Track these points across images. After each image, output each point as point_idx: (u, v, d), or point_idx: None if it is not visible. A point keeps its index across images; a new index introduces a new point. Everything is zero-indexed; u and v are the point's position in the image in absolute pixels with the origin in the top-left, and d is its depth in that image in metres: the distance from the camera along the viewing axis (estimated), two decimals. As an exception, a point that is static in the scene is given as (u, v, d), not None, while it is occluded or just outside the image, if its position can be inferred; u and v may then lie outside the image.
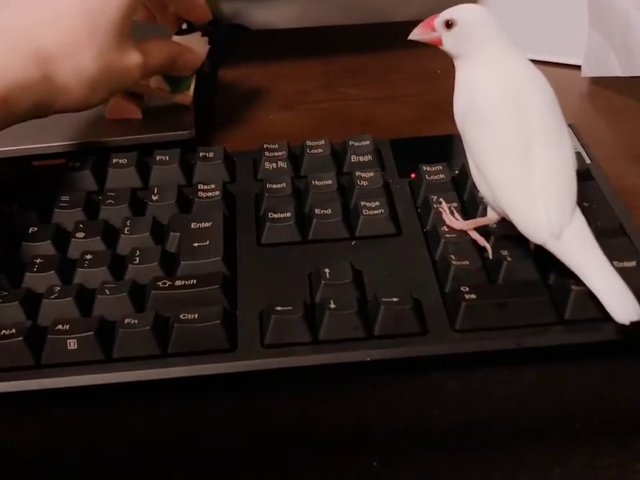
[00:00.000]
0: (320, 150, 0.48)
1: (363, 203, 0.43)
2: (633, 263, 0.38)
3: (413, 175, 0.47)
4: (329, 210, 0.43)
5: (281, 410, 0.36)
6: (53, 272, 0.40)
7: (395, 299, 0.37)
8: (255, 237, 0.43)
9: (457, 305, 0.37)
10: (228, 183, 0.47)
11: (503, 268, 0.39)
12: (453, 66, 0.39)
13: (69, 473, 0.34)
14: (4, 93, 0.41)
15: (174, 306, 0.38)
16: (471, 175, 0.40)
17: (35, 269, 0.40)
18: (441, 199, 0.43)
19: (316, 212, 0.43)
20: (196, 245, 0.41)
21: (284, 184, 0.45)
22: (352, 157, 0.48)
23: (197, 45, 0.54)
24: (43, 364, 0.37)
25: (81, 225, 0.43)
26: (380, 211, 0.43)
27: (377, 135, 0.50)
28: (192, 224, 0.43)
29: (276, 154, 0.48)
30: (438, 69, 0.61)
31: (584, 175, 0.44)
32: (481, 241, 0.40)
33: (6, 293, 0.39)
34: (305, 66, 0.64)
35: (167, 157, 0.48)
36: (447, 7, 0.39)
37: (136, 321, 0.37)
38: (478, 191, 0.40)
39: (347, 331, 0.37)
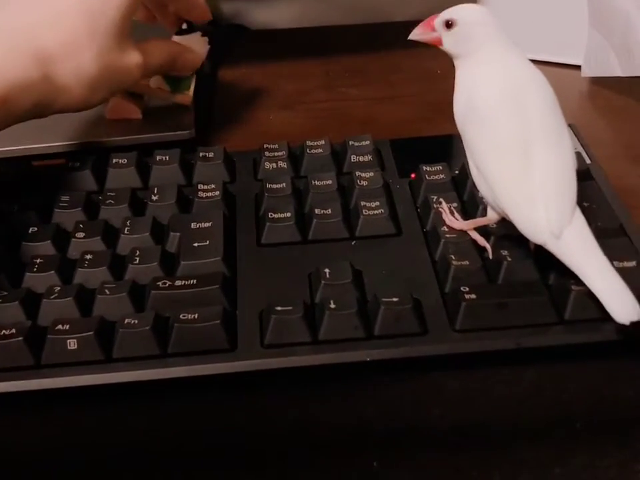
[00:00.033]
0: (320, 150, 0.48)
1: (362, 203, 0.43)
2: (632, 263, 0.38)
3: (412, 175, 0.47)
4: (329, 210, 0.43)
5: (281, 410, 0.36)
6: (52, 272, 0.40)
7: (394, 299, 0.37)
8: (255, 237, 0.43)
9: (456, 305, 0.37)
10: (228, 183, 0.47)
11: (503, 268, 0.39)
12: (453, 66, 0.39)
13: (69, 473, 0.34)
14: (4, 92, 0.41)
15: (174, 306, 0.38)
16: (470, 175, 0.40)
17: (35, 269, 0.40)
18: (441, 199, 0.43)
19: (316, 212, 0.43)
20: (196, 245, 0.41)
21: (284, 184, 0.45)
22: (352, 156, 0.48)
23: (196, 45, 0.54)
24: (42, 364, 0.37)
25: (81, 225, 0.43)
26: (380, 211, 0.43)
27: (377, 135, 0.50)
28: (192, 224, 0.43)
29: (276, 154, 0.48)
30: (438, 69, 0.61)
31: (584, 175, 0.44)
32: (481, 241, 0.40)
33: (6, 293, 0.39)
34: (305, 66, 0.64)
35: (167, 157, 0.48)
36: (447, 7, 0.39)
37: (136, 321, 0.37)
38: (478, 191, 0.40)
39: (347, 331, 0.37)
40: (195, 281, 0.39)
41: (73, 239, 0.42)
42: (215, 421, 0.36)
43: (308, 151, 0.48)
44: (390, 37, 0.64)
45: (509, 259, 0.39)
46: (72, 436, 0.36)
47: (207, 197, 0.45)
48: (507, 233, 0.40)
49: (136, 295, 0.39)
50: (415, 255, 0.41)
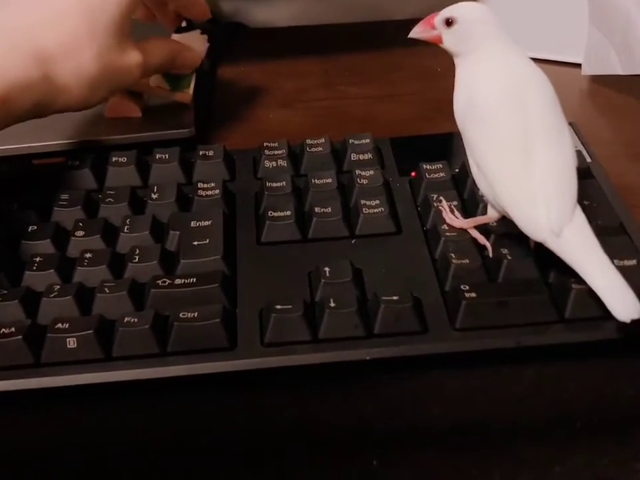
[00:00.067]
0: (320, 148, 0.48)
1: (362, 202, 0.43)
2: (633, 262, 0.38)
3: (413, 174, 0.46)
4: (329, 208, 0.43)
5: (281, 408, 0.36)
6: (52, 270, 0.40)
7: (394, 298, 0.37)
8: (255, 236, 0.43)
9: (457, 304, 0.37)
10: (228, 182, 0.47)
11: (503, 266, 0.39)
12: (453, 64, 0.39)
13: (68, 472, 0.34)
14: (4, 92, 0.41)
15: (173, 304, 0.38)
16: (471, 173, 0.40)
17: (35, 268, 0.40)
18: (441, 198, 0.43)
19: (316, 210, 0.43)
20: (196, 243, 0.41)
21: (284, 182, 0.45)
22: (352, 155, 0.48)
23: (196, 43, 0.54)
24: (42, 362, 0.37)
25: (81, 224, 0.43)
26: (380, 209, 0.43)
27: (377, 133, 0.50)
28: (192, 222, 0.43)
29: (276, 152, 0.48)
30: (438, 67, 0.61)
31: (584, 174, 0.44)
32: (481, 239, 0.40)
33: (5, 292, 0.39)
34: (305, 64, 0.64)
35: (167, 156, 0.48)
36: (447, 5, 0.39)
37: (135, 320, 0.37)
38: (478, 189, 0.40)
39: (347, 330, 0.37)
40: (194, 279, 0.39)
41: (73, 238, 0.42)
42: (215, 419, 0.36)
43: (308, 150, 0.48)
44: (390, 35, 0.64)
45: (509, 258, 0.39)
46: (71, 434, 0.36)
47: (206, 196, 0.45)
48: (507, 231, 0.40)
49: (135, 293, 0.39)
50: (415, 253, 0.41)
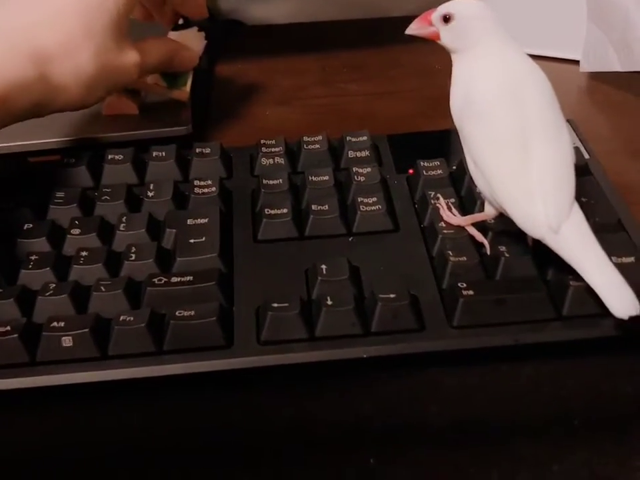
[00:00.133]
0: (317, 146, 0.48)
1: (360, 199, 0.43)
2: (631, 259, 0.38)
3: (410, 171, 0.46)
4: (326, 206, 0.43)
5: (278, 407, 0.36)
6: (48, 269, 0.40)
7: (392, 295, 0.37)
8: (252, 233, 0.43)
9: (454, 301, 0.37)
10: (224, 179, 0.47)
11: (501, 264, 0.39)
12: (451, 61, 0.39)
13: (65, 471, 0.34)
14: (2, 92, 0.41)
15: (170, 303, 0.38)
16: (468, 170, 0.40)
17: (30, 266, 0.40)
18: (438, 195, 0.43)
19: (313, 208, 0.43)
20: (192, 241, 0.41)
21: (281, 180, 0.45)
22: (349, 152, 0.48)
23: (193, 40, 0.54)
24: (37, 361, 0.36)
25: (77, 222, 0.43)
26: (377, 206, 0.43)
27: (375, 131, 0.50)
28: (188, 220, 0.43)
29: (273, 150, 0.48)
30: (437, 64, 0.60)
31: (582, 170, 0.44)
32: (479, 236, 0.40)
33: (1, 290, 0.39)
34: (302, 61, 0.64)
35: (163, 153, 0.48)
36: (445, 1, 0.38)
37: (131, 318, 0.37)
38: (476, 187, 0.40)
39: (344, 328, 0.37)
40: (191, 277, 0.39)
41: (69, 236, 0.42)
42: (211, 418, 0.36)
43: (305, 147, 0.48)
44: (388, 32, 0.63)
45: (507, 255, 0.39)
46: (67, 434, 0.35)
47: (203, 193, 0.45)
48: (504, 228, 0.40)
49: (132, 291, 0.39)
50: (412, 251, 0.41)
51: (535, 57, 0.39)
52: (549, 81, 0.38)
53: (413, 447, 0.34)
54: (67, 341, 0.36)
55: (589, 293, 0.36)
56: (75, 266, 0.40)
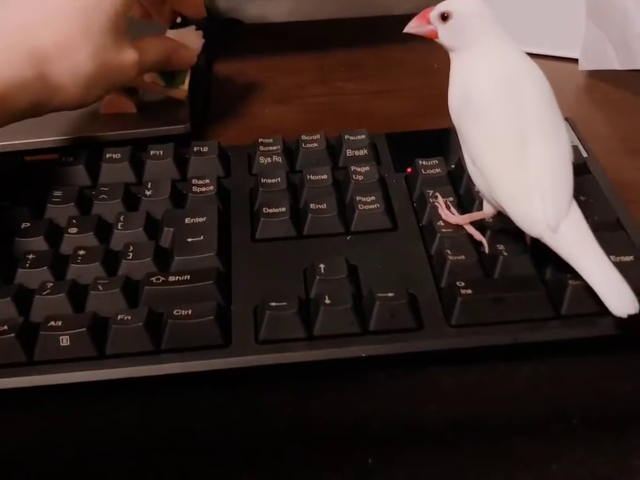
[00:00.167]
0: (315, 144, 0.48)
1: (358, 198, 0.43)
2: (630, 258, 0.38)
3: (408, 170, 0.46)
4: (324, 205, 0.43)
5: (276, 406, 0.36)
6: (45, 268, 0.40)
7: (390, 294, 0.37)
8: (250, 232, 0.43)
9: (452, 300, 0.37)
10: (222, 178, 0.47)
11: (499, 262, 0.39)
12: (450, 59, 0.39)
13: (61, 470, 0.34)
14: (0, 92, 0.41)
15: (167, 302, 0.38)
16: (466, 169, 0.40)
17: (28, 265, 0.40)
18: (436, 194, 0.43)
19: (311, 207, 0.43)
20: (190, 240, 0.41)
21: (279, 178, 0.45)
22: (347, 151, 0.48)
23: (191, 39, 0.54)
24: (35, 360, 0.36)
25: (74, 220, 0.43)
26: (375, 205, 0.43)
27: (373, 129, 0.49)
28: (186, 219, 0.42)
29: (271, 148, 0.48)
30: (435, 63, 0.60)
31: (581, 169, 0.44)
32: (477, 235, 0.40)
33: (-2, 289, 0.39)
34: (300, 60, 0.64)
35: (161, 152, 0.48)
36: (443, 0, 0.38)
37: (129, 317, 0.37)
38: (474, 185, 0.40)
39: (342, 327, 0.37)
40: (188, 276, 0.39)
41: (66, 235, 0.42)
42: (209, 417, 0.36)
43: (303, 146, 0.48)
44: (386, 30, 0.64)
45: (505, 254, 0.39)
46: (64, 433, 0.35)
47: (201, 192, 0.45)
48: (503, 227, 0.40)
49: (129, 290, 0.38)
50: (410, 249, 0.41)
51: (533, 55, 0.39)
52: (547, 79, 0.38)
53: (411, 446, 0.34)
54: (64, 340, 0.36)
55: (588, 292, 0.36)
56: (73, 265, 0.40)
